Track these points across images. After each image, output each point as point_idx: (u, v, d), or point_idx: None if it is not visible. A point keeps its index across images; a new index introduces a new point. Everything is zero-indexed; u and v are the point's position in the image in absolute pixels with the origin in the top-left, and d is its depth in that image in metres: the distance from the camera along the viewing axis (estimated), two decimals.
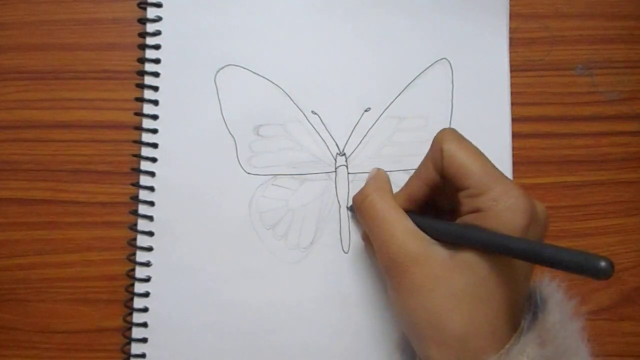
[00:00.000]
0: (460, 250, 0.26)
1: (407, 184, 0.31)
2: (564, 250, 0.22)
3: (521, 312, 0.27)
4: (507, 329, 0.26)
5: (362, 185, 0.35)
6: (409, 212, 0.30)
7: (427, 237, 0.28)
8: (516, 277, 0.26)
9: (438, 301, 0.26)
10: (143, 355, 0.35)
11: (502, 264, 0.26)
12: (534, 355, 0.25)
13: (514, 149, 0.36)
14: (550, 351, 0.25)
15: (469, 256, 0.26)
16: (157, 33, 0.36)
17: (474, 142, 0.36)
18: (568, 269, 0.21)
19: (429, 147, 0.36)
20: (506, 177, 0.27)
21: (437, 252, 0.27)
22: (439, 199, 0.30)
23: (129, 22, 0.36)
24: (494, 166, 0.28)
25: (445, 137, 0.28)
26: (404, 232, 0.28)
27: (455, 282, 0.26)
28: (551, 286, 0.28)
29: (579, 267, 0.21)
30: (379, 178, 0.33)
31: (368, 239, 0.32)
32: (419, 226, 0.29)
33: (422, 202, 0.30)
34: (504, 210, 0.25)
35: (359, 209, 0.31)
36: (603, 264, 0.20)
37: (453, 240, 0.27)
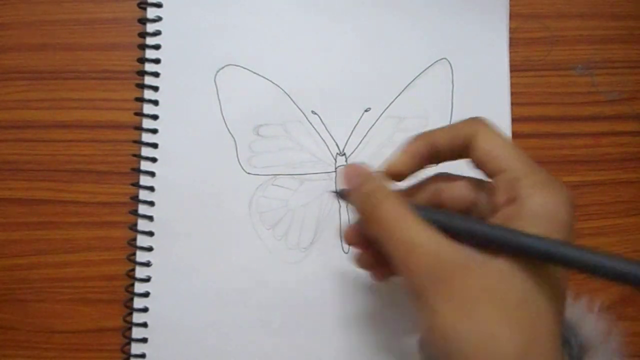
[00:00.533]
0: (495, 256, 0.22)
1: (387, 166, 0.27)
2: (609, 255, 0.20)
3: (558, 339, 0.23)
4: (559, 343, 0.22)
5: None
6: (420, 208, 0.25)
7: (457, 244, 0.23)
8: (558, 287, 0.23)
9: (490, 317, 0.21)
10: (143, 355, 0.35)
11: (542, 271, 0.22)
12: None
13: None
14: None
15: (510, 263, 0.22)
16: (157, 33, 0.36)
17: None
18: (621, 281, 0.19)
19: None
20: (535, 164, 0.24)
21: (478, 259, 0.22)
22: (447, 201, 0.27)
23: (129, 22, 0.36)
24: (528, 156, 0.25)
25: (484, 121, 0.26)
26: (435, 240, 0.23)
27: (503, 293, 0.22)
28: (578, 309, 0.25)
29: (626, 274, 0.19)
30: (375, 178, 0.27)
31: (359, 241, 0.28)
32: (439, 225, 0.24)
33: (418, 164, 0.27)
34: (546, 201, 0.22)
35: (370, 221, 0.25)
36: None
37: (487, 245, 0.23)
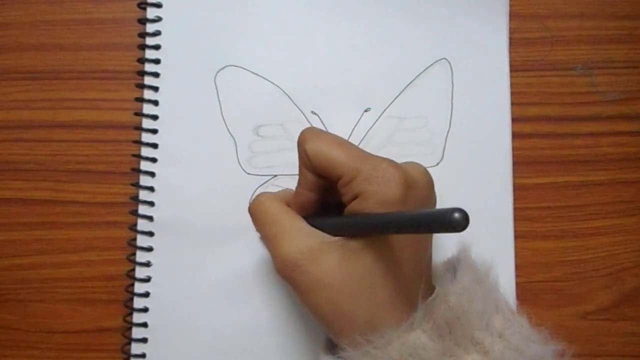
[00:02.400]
0: (348, 240, 0.27)
1: (294, 194, 0.30)
2: (419, 211, 0.22)
3: (425, 285, 0.27)
4: (413, 303, 0.26)
5: None
6: (305, 218, 0.30)
7: (320, 234, 0.28)
8: (405, 255, 0.26)
9: (338, 293, 0.26)
10: (143, 355, 0.35)
11: (385, 245, 0.26)
12: (441, 316, 0.25)
13: (514, 149, 0.36)
14: (459, 312, 0.25)
15: (354, 244, 0.26)
16: (157, 33, 0.36)
17: (474, 142, 0.36)
18: (425, 228, 0.21)
19: (429, 147, 0.36)
20: (373, 155, 0.28)
21: (329, 247, 0.27)
22: (334, 197, 0.30)
23: (129, 22, 0.36)
24: (360, 150, 0.28)
25: (305, 138, 0.28)
26: (297, 232, 0.28)
27: (350, 270, 0.26)
28: (464, 252, 0.29)
29: (434, 223, 0.20)
30: (280, 191, 0.33)
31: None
32: (314, 226, 0.29)
33: (315, 207, 0.30)
34: (378, 187, 0.26)
35: (253, 214, 0.31)
36: (457, 215, 0.19)
37: (339, 233, 0.27)
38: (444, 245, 0.32)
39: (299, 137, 0.29)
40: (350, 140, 0.36)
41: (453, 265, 0.29)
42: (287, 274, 0.28)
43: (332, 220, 0.28)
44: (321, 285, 0.26)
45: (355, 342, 0.26)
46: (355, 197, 0.27)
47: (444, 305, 0.26)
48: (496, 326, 0.26)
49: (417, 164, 0.29)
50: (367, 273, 0.26)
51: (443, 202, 0.31)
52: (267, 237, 0.29)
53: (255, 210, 0.31)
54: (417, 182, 0.27)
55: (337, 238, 0.27)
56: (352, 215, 0.27)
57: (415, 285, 0.27)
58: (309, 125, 0.36)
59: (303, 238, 0.28)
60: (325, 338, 0.30)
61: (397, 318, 0.26)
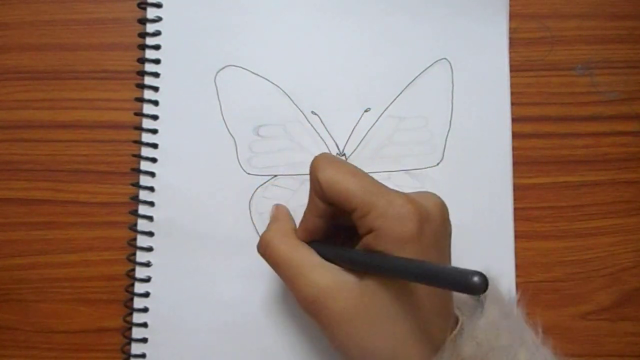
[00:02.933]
0: (365, 275, 0.27)
1: (303, 218, 0.30)
2: (439, 267, 0.21)
3: (447, 317, 0.27)
4: (433, 340, 0.26)
5: None
6: (314, 242, 0.30)
7: (334, 268, 0.28)
8: (424, 290, 0.26)
9: (360, 329, 0.26)
10: (143, 355, 0.35)
11: (403, 283, 0.26)
12: (470, 354, 0.25)
13: (514, 149, 0.36)
14: (486, 349, 0.25)
15: (372, 281, 0.26)
16: (157, 33, 0.36)
17: (474, 142, 0.36)
18: (444, 285, 0.21)
19: (429, 147, 0.36)
20: (388, 189, 0.27)
21: (346, 282, 0.27)
22: (346, 221, 0.29)
23: (129, 22, 0.36)
24: (374, 181, 0.27)
25: (318, 166, 0.28)
26: (311, 269, 0.28)
27: (369, 308, 0.26)
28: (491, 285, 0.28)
29: (452, 283, 0.20)
30: (278, 217, 0.33)
31: None
32: (325, 256, 0.28)
33: (323, 232, 0.30)
34: (392, 223, 0.25)
35: (264, 257, 0.30)
36: (476, 279, 0.19)
37: (354, 268, 0.27)
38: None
39: (312, 164, 0.29)
40: (350, 140, 0.36)
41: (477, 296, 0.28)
42: (309, 311, 0.28)
43: (347, 254, 0.28)
44: (342, 321, 0.26)
45: None
46: (369, 231, 0.26)
47: (471, 342, 0.26)
48: None
49: (431, 194, 0.28)
50: (387, 308, 0.26)
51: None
52: (284, 279, 0.29)
53: (265, 255, 0.30)
54: (432, 215, 0.27)
55: (354, 275, 0.27)
56: (368, 254, 0.26)
57: (438, 318, 0.27)
58: (309, 126, 0.36)
59: (319, 275, 0.27)
60: None
61: (421, 353, 0.26)
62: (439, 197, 0.28)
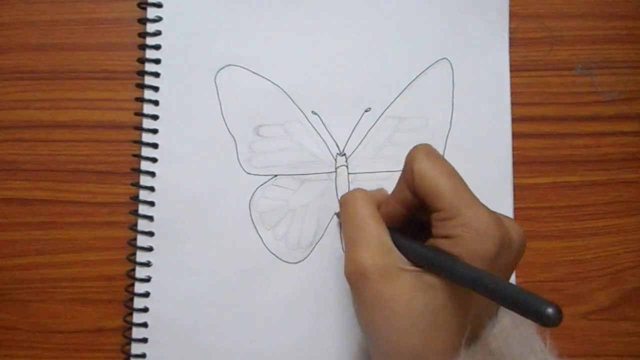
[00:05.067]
0: (424, 272, 0.26)
1: (385, 203, 0.30)
2: (518, 289, 0.21)
3: (468, 326, 0.27)
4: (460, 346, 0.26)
5: (363, 185, 0.36)
6: (390, 228, 0.29)
7: (399, 255, 0.27)
8: (473, 304, 0.26)
9: (399, 320, 0.26)
10: (143, 355, 0.35)
11: (459, 290, 0.26)
12: None
13: (514, 149, 0.36)
14: (498, 357, 0.25)
15: (433, 280, 0.26)
16: (157, 33, 0.36)
17: (474, 142, 0.36)
18: (516, 309, 0.21)
19: None
20: (478, 201, 0.26)
21: (405, 272, 0.27)
22: (421, 215, 0.29)
23: (129, 22, 0.36)
24: (466, 188, 0.27)
25: (416, 156, 0.27)
26: (378, 244, 0.27)
27: (417, 304, 0.26)
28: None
29: (526, 309, 0.20)
30: (375, 191, 0.32)
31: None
32: (395, 243, 0.28)
33: (402, 220, 0.30)
34: (474, 238, 0.25)
35: (343, 207, 0.30)
36: (550, 310, 0.19)
37: (421, 263, 0.27)
38: None
39: (410, 152, 0.28)
40: (350, 140, 0.36)
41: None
42: (354, 280, 0.27)
43: (417, 248, 0.27)
44: (383, 305, 0.26)
45: None
46: (446, 237, 0.26)
47: (484, 349, 0.25)
48: None
49: (516, 223, 0.28)
50: (433, 312, 0.26)
51: None
52: (349, 238, 0.29)
53: (346, 205, 0.30)
54: (512, 245, 0.26)
55: (414, 267, 0.27)
56: (446, 256, 0.26)
57: (467, 326, 0.26)
58: (309, 126, 0.36)
59: (382, 254, 0.27)
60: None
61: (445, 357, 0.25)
62: (521, 228, 0.27)
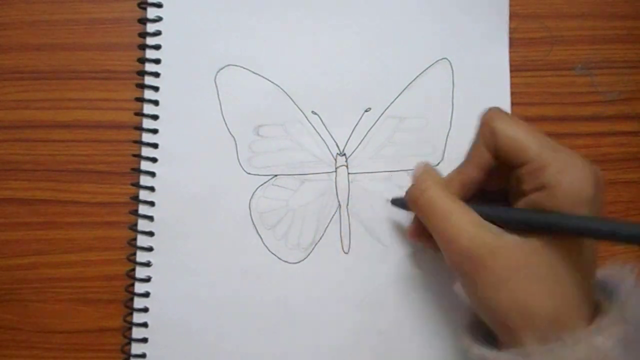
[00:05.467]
0: (530, 235, 0.26)
1: (459, 171, 0.30)
2: (629, 224, 0.22)
3: (594, 290, 0.27)
4: (590, 305, 0.26)
5: (363, 185, 0.36)
6: (472, 206, 0.29)
7: (494, 227, 0.27)
8: (586, 255, 0.26)
9: (522, 289, 0.26)
10: (143, 355, 0.35)
11: (571, 244, 0.26)
12: (629, 328, 0.25)
13: None
14: (633, 327, 0.25)
15: (535, 241, 0.26)
16: (157, 33, 0.36)
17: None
18: (627, 241, 0.22)
19: (429, 147, 0.36)
20: (564, 147, 0.27)
21: (509, 241, 0.26)
22: (488, 183, 0.30)
23: (129, 22, 0.36)
24: (549, 138, 0.27)
25: (495, 116, 0.28)
26: (473, 225, 0.27)
27: (533, 267, 0.26)
28: (623, 271, 0.28)
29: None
30: (431, 171, 0.31)
31: (421, 235, 0.32)
32: (482, 216, 0.28)
33: (477, 189, 0.29)
34: (573, 181, 0.25)
35: (416, 205, 0.30)
36: None
37: (522, 227, 0.27)
38: None
39: (485, 114, 0.29)
40: (350, 140, 0.36)
41: (616, 278, 0.28)
42: (465, 268, 0.27)
43: (515, 213, 0.27)
44: (502, 281, 0.26)
45: (538, 338, 0.25)
46: (540, 188, 0.26)
47: (630, 304, 0.26)
48: None
49: (591, 163, 0.27)
50: (554, 268, 0.26)
51: None
52: (437, 230, 0.28)
53: (418, 203, 0.30)
54: (600, 182, 0.26)
55: (516, 234, 0.26)
56: (544, 212, 0.26)
57: (590, 284, 0.27)
58: (309, 126, 0.36)
59: (478, 231, 0.27)
60: (469, 329, 0.30)
61: (582, 317, 0.26)
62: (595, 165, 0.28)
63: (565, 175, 0.25)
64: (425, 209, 0.29)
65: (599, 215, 0.26)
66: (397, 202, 0.34)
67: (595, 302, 0.27)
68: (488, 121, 0.28)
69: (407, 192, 0.31)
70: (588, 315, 0.26)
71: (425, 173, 0.31)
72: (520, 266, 0.26)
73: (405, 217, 0.35)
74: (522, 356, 0.25)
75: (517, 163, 0.27)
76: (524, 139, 0.27)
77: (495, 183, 0.30)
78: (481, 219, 0.28)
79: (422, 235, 0.31)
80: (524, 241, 0.26)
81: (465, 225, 0.27)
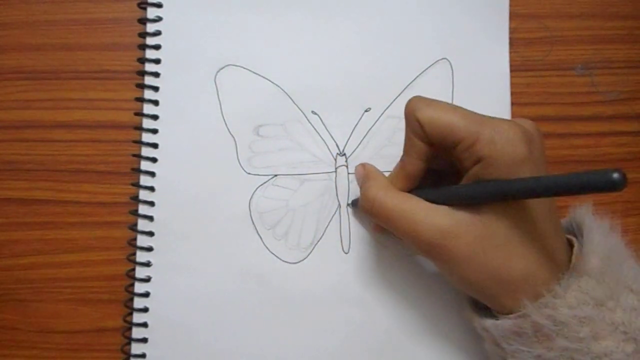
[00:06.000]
0: (480, 207, 0.27)
1: (401, 165, 0.31)
2: (573, 175, 0.22)
3: (561, 237, 0.28)
4: (563, 250, 0.28)
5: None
6: (415, 191, 0.30)
7: (446, 208, 0.28)
8: (541, 209, 0.27)
9: (489, 259, 0.27)
10: (143, 355, 0.35)
11: (521, 205, 0.27)
12: (595, 268, 0.26)
13: None
14: (604, 264, 0.27)
15: (488, 210, 0.27)
16: (157, 33, 0.36)
17: None
18: (584, 191, 0.22)
19: None
20: (489, 117, 0.28)
21: (463, 218, 0.27)
22: (436, 164, 0.31)
23: (129, 22, 0.36)
24: (473, 112, 0.28)
25: (416, 106, 0.29)
26: (426, 214, 0.28)
27: (494, 236, 0.27)
28: (583, 210, 0.29)
29: (593, 185, 0.21)
30: (372, 174, 0.33)
31: (380, 229, 0.34)
32: (432, 201, 0.29)
33: (421, 178, 0.30)
34: (503, 148, 0.26)
35: (372, 214, 0.31)
36: (616, 175, 0.20)
37: (469, 202, 0.28)
38: None
39: (408, 106, 0.29)
40: (350, 140, 0.36)
41: (581, 218, 0.29)
42: (432, 255, 0.28)
43: (460, 190, 0.28)
44: (471, 256, 0.27)
45: (529, 298, 0.26)
46: (477, 161, 0.27)
47: (596, 257, 0.27)
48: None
49: (523, 119, 0.29)
50: (512, 234, 0.27)
51: None
52: (398, 230, 0.29)
53: (373, 211, 0.31)
54: (534, 136, 0.27)
55: (467, 210, 0.27)
56: (487, 183, 0.26)
57: (556, 240, 0.27)
58: (309, 126, 0.36)
59: (436, 218, 0.28)
60: (470, 306, 0.31)
61: (551, 272, 0.27)
62: (528, 120, 0.29)
63: (496, 143, 0.26)
64: (381, 215, 0.30)
65: (544, 165, 0.27)
66: (355, 203, 0.35)
67: (569, 241, 0.28)
68: (411, 113, 0.29)
69: (359, 205, 0.32)
70: (564, 260, 0.27)
71: (368, 180, 0.32)
72: (483, 239, 0.27)
73: None
74: (521, 318, 0.27)
75: (450, 144, 0.28)
76: (450, 121, 0.27)
77: (443, 162, 0.30)
78: (432, 206, 0.29)
79: (385, 229, 0.32)
80: (477, 216, 0.27)
81: (420, 216, 0.28)
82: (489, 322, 0.28)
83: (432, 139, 0.28)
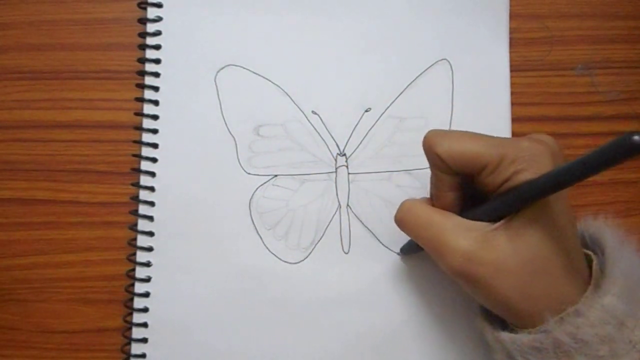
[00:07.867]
0: (509, 221, 0.27)
1: (435, 198, 0.30)
2: (593, 152, 0.22)
3: (581, 252, 0.28)
4: (581, 272, 0.27)
5: (363, 185, 0.36)
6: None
7: (478, 224, 0.28)
8: (564, 226, 0.27)
9: (520, 276, 0.26)
10: (143, 355, 0.35)
11: (546, 216, 0.26)
12: (625, 283, 0.26)
13: None
14: (627, 284, 0.26)
15: (517, 224, 0.26)
16: (157, 33, 0.36)
17: None
18: (610, 164, 0.21)
19: None
20: (508, 138, 0.28)
21: (494, 233, 0.27)
22: (471, 190, 0.30)
23: (129, 22, 0.36)
24: (490, 136, 0.28)
25: (433, 142, 0.28)
26: (456, 227, 0.28)
27: (522, 252, 0.26)
28: (600, 224, 0.29)
29: (616, 154, 0.20)
30: (413, 199, 0.32)
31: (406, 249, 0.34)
32: (470, 218, 0.28)
33: (458, 205, 0.30)
34: (530, 166, 0.26)
35: (403, 223, 0.31)
36: (636, 137, 0.19)
37: (499, 215, 0.27)
38: None
39: (425, 143, 0.29)
40: (350, 140, 0.36)
41: (599, 234, 0.29)
42: (463, 270, 0.27)
43: (489, 205, 0.28)
44: (501, 272, 0.27)
45: (551, 314, 0.26)
46: (504, 182, 0.27)
47: (625, 271, 0.26)
48: None
49: (539, 134, 0.28)
50: (540, 248, 0.26)
51: None
52: (427, 240, 0.29)
53: (405, 219, 0.30)
54: (555, 149, 0.27)
55: (497, 223, 0.27)
56: (513, 189, 0.26)
57: (580, 252, 0.27)
58: (309, 125, 0.36)
59: (465, 231, 0.28)
60: (482, 315, 0.30)
61: (575, 286, 0.26)
62: (544, 134, 0.29)
63: (521, 162, 0.26)
64: (410, 223, 0.30)
65: None
66: (405, 250, 0.35)
67: (586, 255, 0.28)
68: (430, 150, 0.29)
69: (395, 219, 0.32)
70: (585, 275, 0.27)
71: (409, 200, 0.32)
72: (512, 253, 0.26)
73: None
74: (542, 334, 0.26)
75: (476, 171, 0.28)
76: (469, 150, 0.27)
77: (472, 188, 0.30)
78: (464, 220, 0.28)
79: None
80: (505, 228, 0.27)
81: (450, 228, 0.28)
82: (504, 335, 0.28)
83: (457, 170, 0.28)
